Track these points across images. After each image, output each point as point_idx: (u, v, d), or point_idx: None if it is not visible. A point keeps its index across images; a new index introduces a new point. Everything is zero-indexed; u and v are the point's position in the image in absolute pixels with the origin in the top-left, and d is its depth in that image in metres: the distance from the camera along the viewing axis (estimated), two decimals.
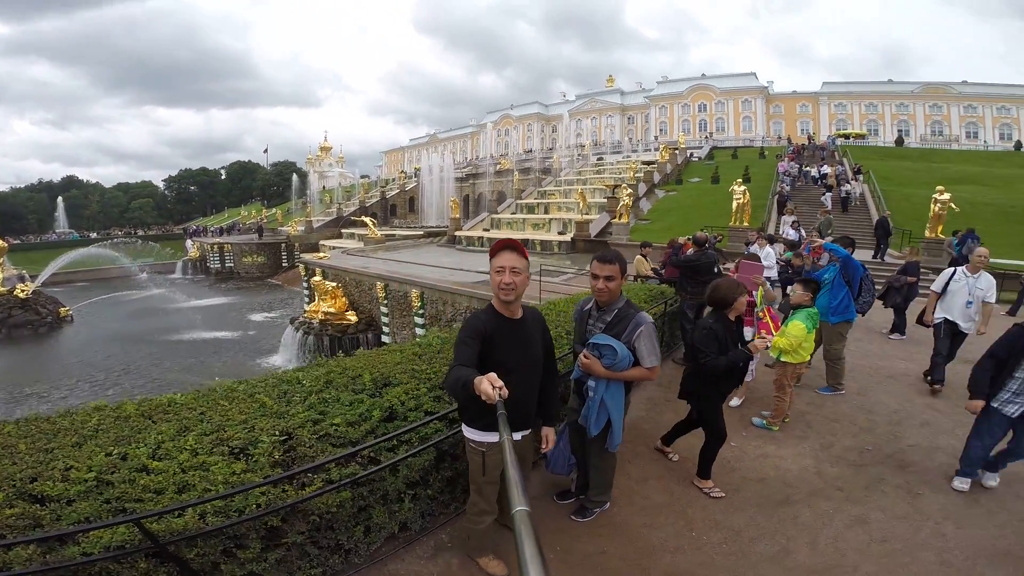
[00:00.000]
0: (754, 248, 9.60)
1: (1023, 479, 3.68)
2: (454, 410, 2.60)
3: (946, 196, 15.13)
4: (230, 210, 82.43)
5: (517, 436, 2.34)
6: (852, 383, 5.95)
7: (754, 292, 5.18)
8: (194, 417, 2.42)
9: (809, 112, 61.50)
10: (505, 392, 1.58)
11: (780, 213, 21.57)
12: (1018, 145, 46.25)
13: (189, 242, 43.17)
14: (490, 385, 1.61)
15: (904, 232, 16.85)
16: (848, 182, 23.20)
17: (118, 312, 24.15)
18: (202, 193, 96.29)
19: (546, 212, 27.76)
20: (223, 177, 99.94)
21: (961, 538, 2.77)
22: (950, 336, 5.64)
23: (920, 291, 8.79)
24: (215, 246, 36.30)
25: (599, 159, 42.36)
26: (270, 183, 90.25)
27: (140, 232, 65.64)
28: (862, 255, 12.54)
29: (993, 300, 5.50)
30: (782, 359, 4.61)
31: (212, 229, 54.49)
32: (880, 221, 16.42)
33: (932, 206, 15.36)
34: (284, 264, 35.82)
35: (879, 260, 15.06)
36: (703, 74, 68.25)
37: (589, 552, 2.80)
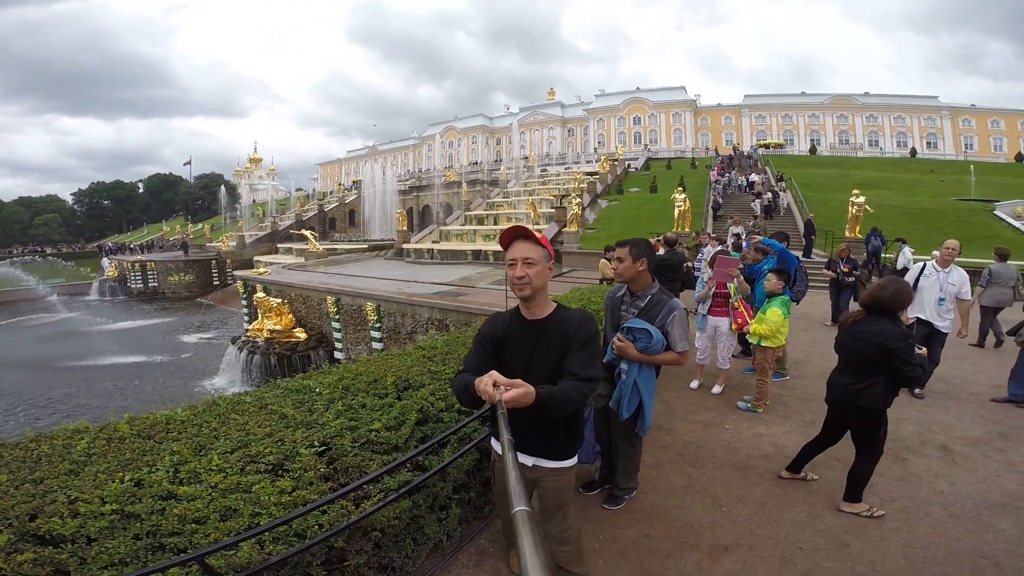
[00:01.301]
0: (707, 249, 10.20)
1: (987, 441, 4.08)
2: (488, 409, 2.49)
3: (861, 199, 16.80)
4: (150, 226, 76.64)
5: (528, 461, 1.98)
6: (811, 367, 6.41)
7: (727, 284, 5.45)
8: (207, 434, 2.15)
9: (733, 124, 66.05)
10: (505, 392, 1.44)
11: (715, 219, 23.09)
12: (913, 152, 52.27)
13: (106, 260, 39.14)
14: (490, 382, 1.47)
15: (827, 233, 18.39)
16: (778, 192, 25.03)
17: (27, 337, 21.48)
18: (117, 208, 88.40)
19: (495, 223, 27.86)
20: (141, 191, 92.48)
21: (957, 493, 3.03)
22: (925, 336, 5.38)
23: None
24: (136, 264, 33.16)
25: (543, 170, 43.19)
26: (194, 197, 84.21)
27: (48, 250, 58.81)
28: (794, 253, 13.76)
29: (968, 296, 5.26)
30: (762, 344, 4.85)
31: (132, 246, 50.01)
32: (806, 222, 17.96)
33: (850, 208, 17.00)
34: (215, 282, 33.45)
35: (807, 258, 16.39)
36: (637, 87, 71.69)
37: (633, 537, 2.83)
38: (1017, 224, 19.49)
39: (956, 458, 3.77)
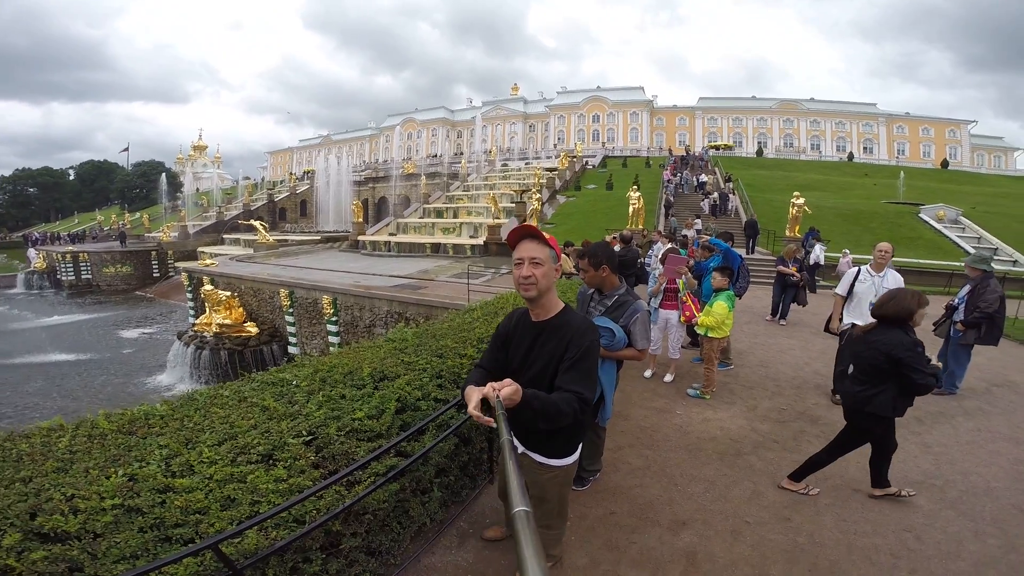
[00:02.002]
0: (657, 246, 10.71)
1: (905, 425, 4.58)
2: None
3: (801, 201, 17.97)
4: (81, 215, 71.12)
5: (519, 447, 2.06)
6: (753, 357, 6.95)
7: (677, 280, 5.83)
8: (191, 428, 2.18)
9: (687, 125, 68.41)
10: (502, 391, 1.47)
11: (668, 216, 24.06)
12: (851, 156, 55.93)
13: (32, 251, 36.01)
14: (491, 389, 1.49)
15: (769, 232, 19.56)
16: (727, 194, 26.20)
17: None
18: (44, 196, 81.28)
19: (455, 216, 27.80)
20: (72, 178, 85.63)
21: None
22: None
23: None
24: (68, 255, 30.69)
25: (504, 165, 43.31)
26: (132, 185, 78.72)
27: None
28: (737, 251, 14.58)
29: None
30: (709, 335, 5.24)
31: (62, 236, 46.25)
32: (749, 222, 19.05)
33: (790, 209, 18.15)
34: (155, 274, 31.54)
35: (751, 255, 17.41)
36: (598, 86, 72.96)
37: (600, 515, 3.07)
38: (938, 226, 21.45)
39: None
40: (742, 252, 17.12)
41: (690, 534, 2.91)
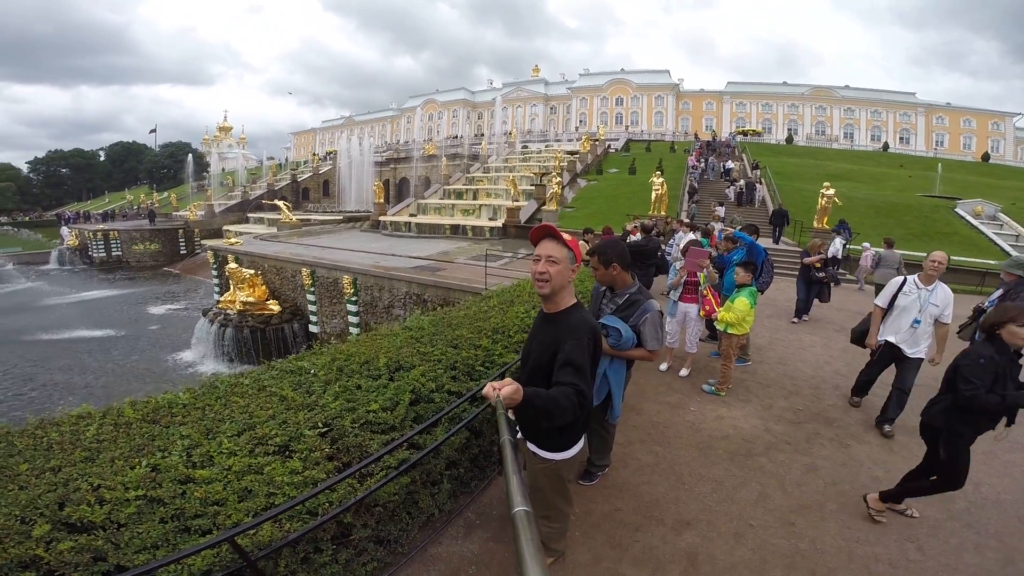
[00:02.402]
0: (679, 235, 10.50)
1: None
2: (480, 388, 2.66)
3: (831, 191, 17.38)
4: (111, 194, 73.83)
5: (532, 445, 2.18)
6: (772, 353, 6.83)
7: (698, 274, 5.74)
8: (212, 417, 2.27)
9: (714, 109, 66.44)
10: (502, 391, 1.53)
11: (692, 202, 23.58)
12: (886, 146, 53.75)
13: (65, 229, 37.38)
14: (491, 389, 1.56)
15: (796, 223, 19.01)
16: (755, 185, 25.36)
17: None
18: (77, 176, 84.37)
19: (475, 198, 27.72)
20: (102, 159, 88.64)
21: (892, 479, 3.37)
22: (887, 362, 4.65)
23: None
24: (99, 233, 31.76)
25: (524, 147, 42.87)
26: (160, 165, 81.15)
27: (2, 220, 55.93)
28: (763, 241, 14.22)
29: (949, 319, 4.33)
30: (728, 331, 5.17)
31: (95, 215, 47.82)
32: (777, 211, 18.52)
33: (820, 200, 17.58)
34: (183, 252, 32.50)
35: (776, 245, 16.98)
36: (622, 68, 71.20)
37: (606, 511, 3.11)
38: (975, 222, 20.55)
39: (895, 446, 4.18)
40: (768, 242, 16.70)
41: (693, 535, 2.93)
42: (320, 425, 2.23)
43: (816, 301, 9.17)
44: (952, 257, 16.58)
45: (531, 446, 2.18)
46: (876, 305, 4.64)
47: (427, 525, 2.66)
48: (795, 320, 8.91)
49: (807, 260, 8.84)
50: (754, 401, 5.06)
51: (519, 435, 2.17)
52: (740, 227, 8.01)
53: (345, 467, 2.13)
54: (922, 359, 4.43)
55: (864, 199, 22.69)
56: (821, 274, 8.73)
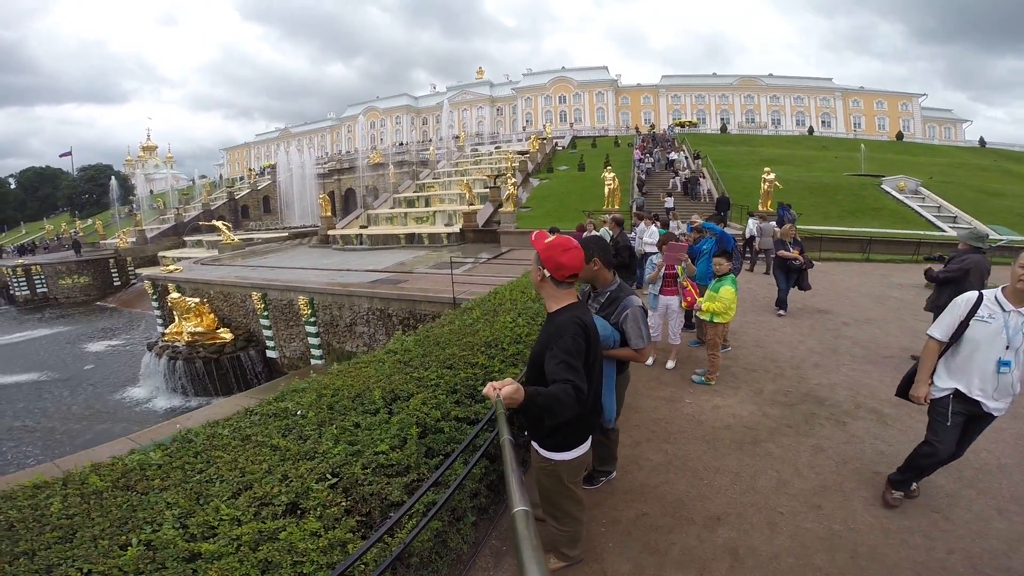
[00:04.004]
0: (640, 228, 10.59)
1: (908, 403, 4.64)
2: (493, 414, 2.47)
3: (772, 176, 18.30)
4: (28, 225, 67.63)
5: (534, 443, 2.24)
6: (747, 337, 6.98)
7: (676, 267, 5.76)
8: (197, 478, 1.94)
9: (651, 103, 68.76)
10: (502, 391, 1.58)
11: (641, 194, 24.14)
12: (811, 131, 57.28)
13: None
14: (492, 389, 1.63)
15: (741, 207, 19.84)
16: (698, 178, 25.81)
17: None
18: None
19: (427, 205, 27.24)
20: (13, 186, 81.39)
21: (897, 454, 3.44)
22: (963, 422, 2.91)
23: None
24: (19, 269, 28.80)
25: (474, 150, 42.64)
26: (79, 190, 74.90)
27: None
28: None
29: None
30: (714, 320, 5.19)
31: (8, 249, 43.43)
32: (720, 198, 19.28)
33: (762, 184, 18.46)
34: (116, 283, 30.03)
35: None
36: (563, 67, 72.44)
37: (633, 518, 2.98)
38: (900, 197, 22.20)
39: (887, 420, 4.28)
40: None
41: (727, 529, 2.85)
42: (328, 476, 1.96)
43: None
44: (886, 230, 17.93)
45: (534, 444, 2.23)
46: (932, 338, 2.95)
47: (457, 562, 2.42)
48: (782, 313, 8.31)
49: (783, 254, 8.31)
50: (743, 387, 5.11)
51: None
52: (707, 218, 8.14)
53: (366, 519, 1.88)
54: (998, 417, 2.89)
55: (798, 181, 24.03)
56: (798, 261, 8.19)
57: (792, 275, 8.33)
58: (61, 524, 1.65)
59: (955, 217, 19.96)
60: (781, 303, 8.41)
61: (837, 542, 2.73)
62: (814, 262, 8.78)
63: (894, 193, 22.59)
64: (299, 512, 1.77)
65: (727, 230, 7.45)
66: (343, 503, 1.83)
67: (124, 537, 1.57)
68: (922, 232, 17.77)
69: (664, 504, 3.10)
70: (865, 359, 5.96)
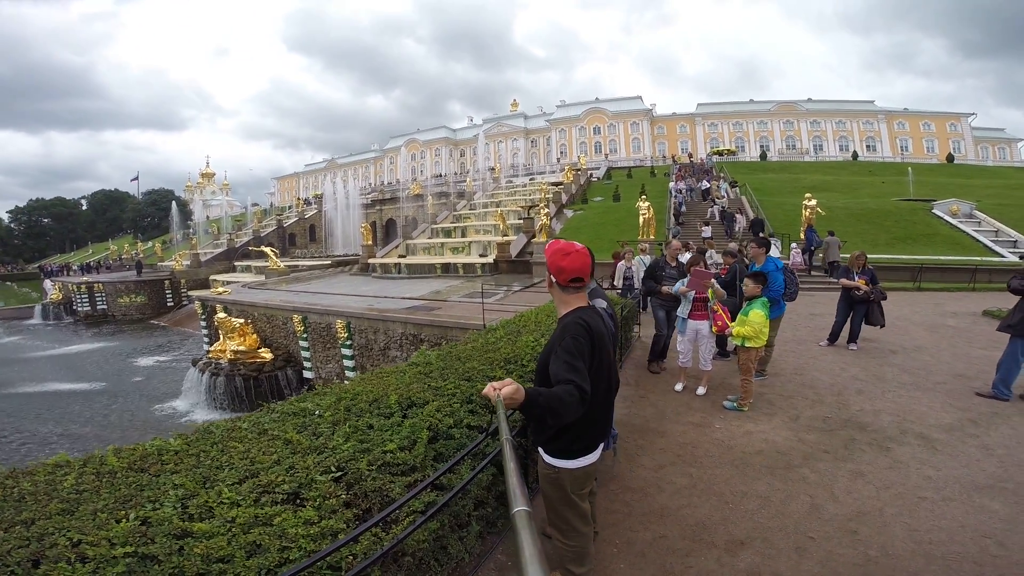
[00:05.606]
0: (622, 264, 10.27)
1: (960, 428, 4.32)
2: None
3: (813, 202, 17.72)
4: (95, 245, 72.99)
5: (538, 447, 2.21)
6: (786, 364, 6.66)
7: (705, 292, 5.61)
8: (208, 464, 2.00)
9: (687, 132, 68.50)
10: (502, 391, 1.57)
11: (678, 224, 23.81)
12: (855, 155, 55.40)
13: (48, 282, 36.68)
14: (492, 389, 1.62)
15: (783, 236, 19.25)
16: (733, 214, 24.75)
17: None
18: (59, 226, 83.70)
19: (463, 235, 27.78)
20: (84, 208, 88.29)
21: (945, 478, 3.18)
22: None
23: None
24: (83, 286, 31.13)
25: (509, 181, 43.51)
26: (143, 214, 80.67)
27: None
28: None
29: None
30: (746, 344, 4.98)
31: (74, 267, 47.09)
32: (754, 220, 18.74)
33: (803, 211, 17.87)
34: (169, 303, 31.88)
35: None
36: (596, 98, 73.56)
37: (649, 539, 2.85)
38: (954, 221, 20.99)
39: (936, 445, 3.97)
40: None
41: (750, 554, 2.67)
42: (333, 469, 1.97)
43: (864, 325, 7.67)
44: (939, 257, 16.91)
45: (539, 450, 2.20)
46: None
47: (456, 571, 2.36)
48: (825, 343, 7.72)
49: (846, 283, 7.57)
50: (779, 413, 4.85)
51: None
52: (747, 243, 7.88)
53: (365, 514, 1.87)
54: None
55: (843, 208, 23.15)
56: (860, 291, 7.38)
57: (859, 307, 7.50)
58: (69, 498, 1.73)
59: (1015, 241, 18.63)
60: (832, 336, 7.71)
61: (872, 569, 2.51)
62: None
63: (947, 218, 21.38)
64: (298, 501, 1.79)
65: (773, 251, 7.07)
66: (343, 496, 1.83)
67: (123, 512, 1.62)
68: (978, 258, 16.62)
69: (684, 527, 2.94)
70: (914, 386, 5.56)
